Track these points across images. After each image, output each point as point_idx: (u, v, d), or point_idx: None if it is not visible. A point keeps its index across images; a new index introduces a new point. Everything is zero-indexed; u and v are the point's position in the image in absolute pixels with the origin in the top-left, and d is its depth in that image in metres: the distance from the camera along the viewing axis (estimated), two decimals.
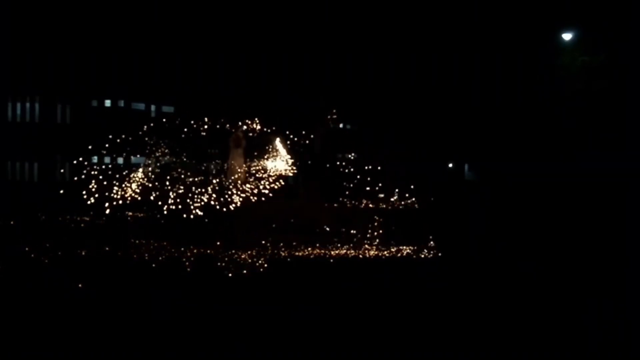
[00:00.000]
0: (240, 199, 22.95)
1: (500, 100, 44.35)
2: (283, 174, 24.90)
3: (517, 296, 14.39)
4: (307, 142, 26.71)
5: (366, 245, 21.16)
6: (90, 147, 26.77)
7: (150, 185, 23.17)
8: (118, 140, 24.48)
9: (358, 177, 25.45)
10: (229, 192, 22.93)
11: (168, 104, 47.20)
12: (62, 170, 39.95)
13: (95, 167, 23.53)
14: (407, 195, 25.01)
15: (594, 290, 14.80)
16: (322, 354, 10.58)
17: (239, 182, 23.97)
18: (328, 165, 26.26)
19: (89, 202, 22.37)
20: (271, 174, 24.67)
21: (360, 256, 20.19)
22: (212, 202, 22.32)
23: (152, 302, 13.68)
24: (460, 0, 43.93)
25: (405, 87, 45.60)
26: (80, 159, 23.90)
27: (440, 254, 19.71)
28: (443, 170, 46.03)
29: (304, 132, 26.67)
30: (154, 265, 18.13)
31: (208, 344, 10.97)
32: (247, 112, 26.40)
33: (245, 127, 25.67)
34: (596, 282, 15.53)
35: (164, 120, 26.92)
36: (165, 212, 22.17)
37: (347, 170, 26.11)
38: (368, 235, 21.70)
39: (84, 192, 22.42)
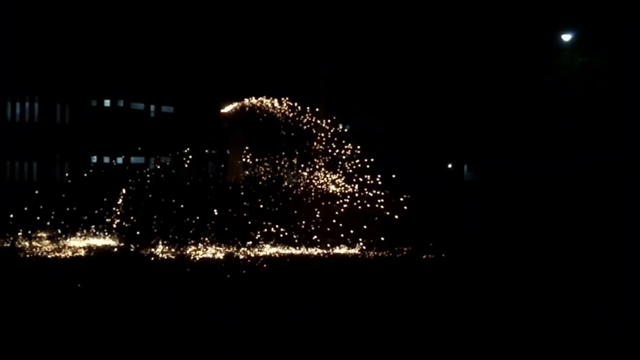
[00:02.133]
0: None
1: (500, 100, 44.39)
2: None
3: (517, 296, 14.39)
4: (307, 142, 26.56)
5: (366, 246, 21.15)
6: (89, 147, 26.58)
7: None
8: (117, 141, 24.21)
9: (357, 177, 25.36)
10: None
11: (168, 104, 47.21)
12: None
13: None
14: (407, 195, 24.98)
15: (594, 290, 14.80)
16: (322, 354, 10.58)
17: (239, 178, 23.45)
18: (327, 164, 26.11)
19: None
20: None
21: (360, 256, 20.20)
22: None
23: (152, 302, 13.68)
24: (460, 0, 43.94)
25: (405, 87, 45.62)
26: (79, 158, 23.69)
27: (440, 254, 19.70)
28: (443, 171, 46.04)
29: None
30: (154, 265, 18.14)
31: (208, 344, 10.97)
32: (247, 113, 26.22)
33: (244, 128, 25.54)
34: (596, 282, 15.53)
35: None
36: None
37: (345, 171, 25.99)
38: (368, 235, 21.66)
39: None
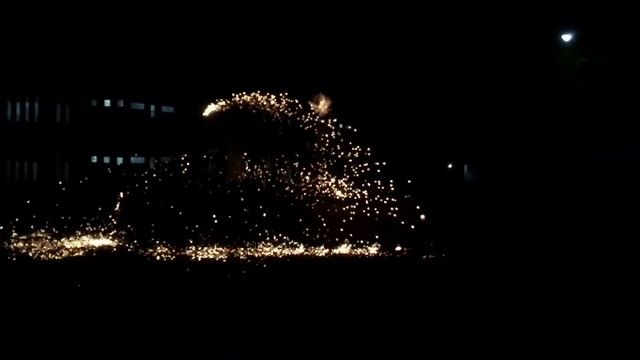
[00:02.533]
0: None
1: (500, 100, 44.37)
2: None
3: (517, 296, 14.39)
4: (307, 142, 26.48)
5: (366, 245, 21.16)
6: (89, 147, 26.46)
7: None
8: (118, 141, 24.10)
9: (357, 178, 25.32)
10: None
11: (168, 104, 47.19)
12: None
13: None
14: (407, 195, 24.95)
15: (594, 290, 14.80)
16: (322, 354, 10.58)
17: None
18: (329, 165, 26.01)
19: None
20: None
21: (361, 256, 20.20)
22: None
23: (152, 302, 13.68)
24: (461, 0, 43.95)
25: (405, 87, 45.61)
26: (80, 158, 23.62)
27: (440, 254, 19.70)
28: (443, 171, 46.02)
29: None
30: (154, 265, 18.14)
31: (208, 344, 10.97)
32: (247, 113, 26.11)
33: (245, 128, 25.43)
34: (596, 282, 15.53)
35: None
36: None
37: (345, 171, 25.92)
38: (368, 235, 21.66)
39: None
